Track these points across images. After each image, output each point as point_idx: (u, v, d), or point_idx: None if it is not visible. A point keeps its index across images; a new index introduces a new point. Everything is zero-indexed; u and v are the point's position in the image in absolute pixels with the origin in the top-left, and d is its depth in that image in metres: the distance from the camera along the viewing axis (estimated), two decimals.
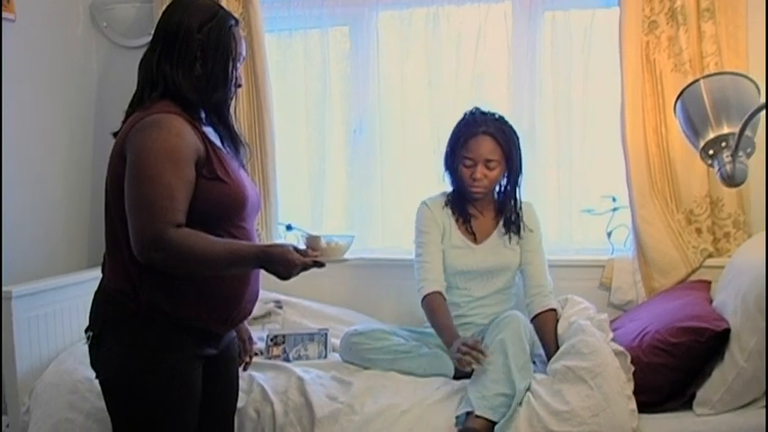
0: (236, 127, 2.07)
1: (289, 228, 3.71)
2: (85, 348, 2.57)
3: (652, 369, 2.48)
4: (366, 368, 2.80)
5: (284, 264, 1.86)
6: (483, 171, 2.86)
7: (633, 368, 2.50)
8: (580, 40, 3.43)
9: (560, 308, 2.95)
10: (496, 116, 2.92)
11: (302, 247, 1.98)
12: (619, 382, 2.43)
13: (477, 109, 2.94)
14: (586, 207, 3.41)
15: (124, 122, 1.96)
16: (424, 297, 2.87)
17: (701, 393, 2.43)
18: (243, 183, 1.99)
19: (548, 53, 3.47)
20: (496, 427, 2.41)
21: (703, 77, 2.49)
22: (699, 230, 3.12)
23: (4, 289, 2.74)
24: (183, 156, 1.83)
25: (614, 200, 3.34)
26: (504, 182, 2.96)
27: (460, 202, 3.00)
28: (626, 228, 3.29)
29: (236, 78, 2.03)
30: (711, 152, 2.36)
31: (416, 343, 2.86)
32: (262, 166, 3.55)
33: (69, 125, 3.66)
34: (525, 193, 3.37)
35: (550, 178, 3.49)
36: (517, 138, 2.92)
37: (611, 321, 2.93)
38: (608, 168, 3.35)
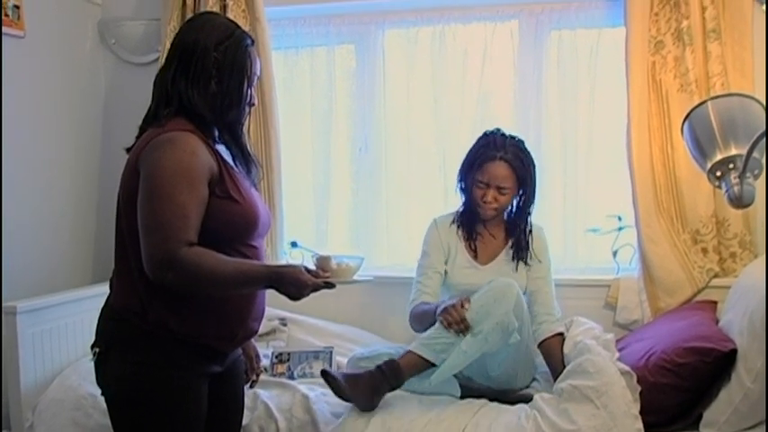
0: (248, 146, 2.08)
1: (294, 245, 3.71)
2: (90, 365, 2.56)
3: (658, 389, 2.46)
4: None
5: (295, 284, 1.86)
6: (494, 195, 2.87)
7: (639, 388, 2.48)
8: (586, 59, 3.44)
9: (566, 330, 2.94)
10: (516, 140, 2.92)
11: (312, 267, 1.99)
12: (625, 402, 2.41)
13: (498, 131, 2.93)
14: (592, 226, 3.41)
15: (138, 138, 1.96)
16: (415, 306, 2.90)
17: (707, 414, 2.42)
18: (255, 202, 1.99)
19: (554, 72, 3.49)
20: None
21: (711, 99, 2.49)
22: (705, 250, 3.11)
23: (8, 304, 2.74)
24: (197, 174, 1.83)
25: (620, 219, 3.34)
26: (515, 203, 2.95)
27: (470, 221, 3.00)
28: (631, 247, 3.29)
29: (250, 97, 2.03)
30: (719, 173, 2.35)
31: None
32: (268, 182, 3.55)
33: (77, 141, 3.67)
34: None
35: (556, 197, 3.49)
36: (534, 165, 2.92)
37: (617, 341, 2.92)
38: (613, 187, 3.35)
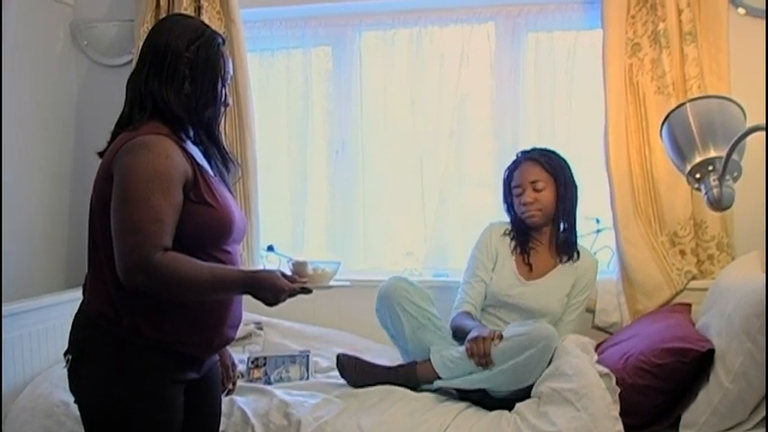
0: (226, 146, 2.05)
1: (270, 248, 3.67)
2: (62, 371, 2.50)
3: (637, 391, 2.45)
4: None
5: (272, 290, 1.83)
6: (532, 195, 2.90)
7: (619, 389, 2.47)
8: (563, 61, 3.45)
9: None
10: (541, 147, 2.99)
11: (288, 272, 1.96)
12: (605, 404, 2.40)
13: (522, 150, 3.03)
14: None
15: (111, 142, 1.91)
16: (458, 314, 2.91)
17: (686, 415, 2.42)
18: (230, 207, 1.95)
19: (531, 74, 3.49)
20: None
21: (689, 101, 2.49)
22: (683, 252, 3.11)
23: None
24: (172, 178, 1.79)
25: (598, 221, 3.33)
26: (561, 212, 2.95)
27: (520, 235, 3.01)
28: (610, 249, 3.28)
29: (225, 97, 2.01)
30: (698, 176, 2.35)
31: (445, 335, 2.85)
32: (244, 185, 3.51)
33: (48, 144, 3.62)
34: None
35: None
36: (565, 162, 2.96)
37: (597, 345, 2.91)
38: (591, 190, 3.31)
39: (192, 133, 1.97)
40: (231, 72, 2.03)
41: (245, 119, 3.51)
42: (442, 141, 3.54)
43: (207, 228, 1.88)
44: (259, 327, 3.30)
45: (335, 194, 3.72)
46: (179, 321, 1.87)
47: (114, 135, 1.92)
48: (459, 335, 2.81)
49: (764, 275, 2.40)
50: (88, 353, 1.87)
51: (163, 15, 3.49)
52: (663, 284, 3.09)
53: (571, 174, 2.95)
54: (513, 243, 3.01)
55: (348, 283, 2.22)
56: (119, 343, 1.84)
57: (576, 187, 2.95)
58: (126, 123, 1.91)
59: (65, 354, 1.91)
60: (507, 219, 3.06)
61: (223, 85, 1.98)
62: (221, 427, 2.45)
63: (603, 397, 2.42)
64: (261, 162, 3.64)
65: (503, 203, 3.05)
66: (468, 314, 2.90)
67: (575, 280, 2.93)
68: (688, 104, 2.45)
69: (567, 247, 2.95)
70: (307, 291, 1.91)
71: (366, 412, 2.57)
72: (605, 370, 2.53)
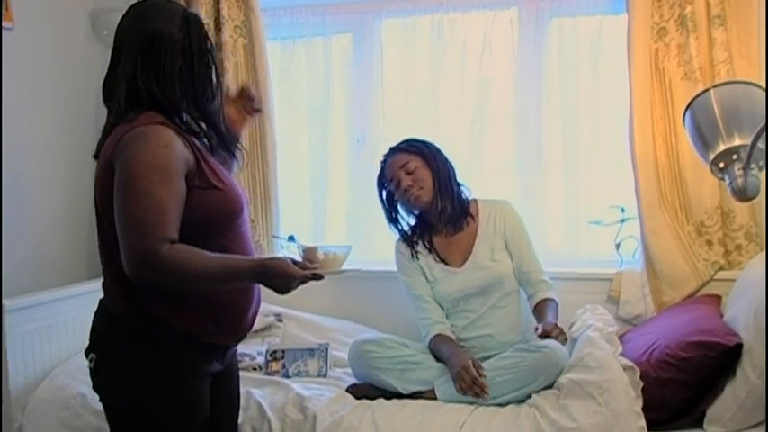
0: (223, 128, 1.98)
1: (291, 239, 3.63)
2: (80, 363, 2.52)
3: (661, 385, 2.40)
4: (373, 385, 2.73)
5: (282, 277, 1.78)
6: (407, 178, 2.86)
7: (642, 384, 2.42)
8: (587, 47, 3.37)
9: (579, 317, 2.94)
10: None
11: (299, 259, 1.93)
12: (628, 399, 2.35)
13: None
14: (594, 218, 3.32)
15: (105, 136, 1.86)
16: (430, 342, 2.85)
17: (711, 411, 2.36)
18: (236, 188, 1.93)
19: (554, 61, 3.41)
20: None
21: (713, 87, 2.40)
22: (710, 243, 3.03)
23: None
24: (173, 168, 1.76)
25: (623, 210, 3.26)
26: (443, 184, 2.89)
27: (421, 232, 2.97)
28: (635, 239, 3.20)
29: (219, 75, 1.97)
30: (722, 165, 2.27)
31: (426, 355, 2.80)
32: (263, 175, 3.50)
33: (69, 133, 3.60)
34: (531, 200, 3.36)
35: (557, 188, 3.42)
36: (425, 141, 2.95)
37: (620, 336, 2.85)
38: (616, 178, 3.27)
39: (187, 118, 1.91)
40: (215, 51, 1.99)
41: (264, 108, 3.46)
42: (463, 129, 3.48)
43: (218, 211, 1.86)
44: (279, 318, 3.27)
45: (356, 183, 3.68)
46: (206, 310, 1.86)
47: (108, 128, 1.87)
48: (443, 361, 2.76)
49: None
50: (114, 351, 1.85)
51: (182, 3, 3.47)
52: (689, 275, 3.01)
53: (436, 149, 2.93)
54: (423, 243, 2.96)
55: (359, 268, 2.19)
56: (146, 339, 1.83)
57: (449, 164, 2.93)
58: (120, 116, 1.84)
59: (87, 352, 1.89)
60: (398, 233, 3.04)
61: (215, 65, 1.95)
62: (238, 421, 2.45)
63: (626, 391, 2.37)
64: (281, 151, 3.61)
65: (386, 220, 3.04)
66: (438, 336, 2.83)
67: (504, 234, 2.91)
68: (712, 90, 2.37)
69: (455, 218, 2.90)
70: (318, 277, 1.86)
71: (382, 407, 2.55)
72: (629, 363, 2.48)
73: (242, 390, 2.58)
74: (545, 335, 2.60)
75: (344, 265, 2.05)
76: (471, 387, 2.50)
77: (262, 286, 1.94)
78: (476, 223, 2.92)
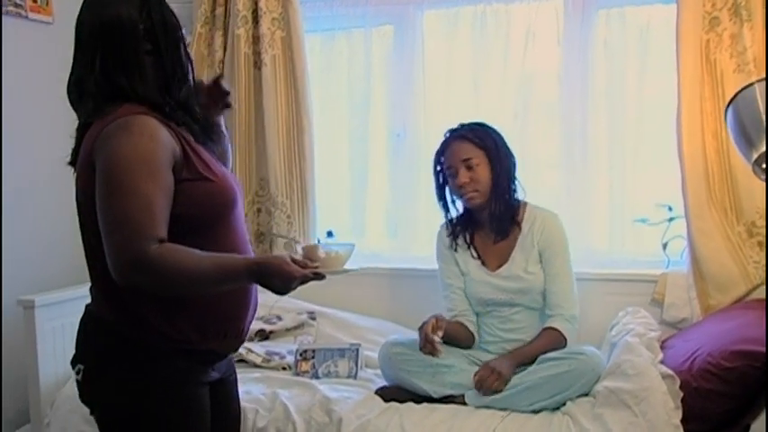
0: (199, 113, 1.82)
1: (330, 234, 3.60)
2: None
3: (702, 395, 2.28)
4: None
5: (280, 277, 1.65)
6: (466, 174, 2.71)
7: (682, 394, 2.30)
8: (635, 39, 3.24)
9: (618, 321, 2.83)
10: (468, 122, 2.82)
11: (298, 257, 1.80)
12: (666, 410, 2.25)
13: (450, 128, 2.85)
14: (640, 216, 3.20)
15: (80, 139, 1.74)
16: None
17: (756, 425, 2.23)
18: (228, 178, 1.79)
19: (601, 53, 3.29)
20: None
21: (759, 80, 2.26)
22: (761, 244, 2.87)
23: (26, 298, 2.68)
24: (160, 161, 1.61)
25: (670, 209, 3.12)
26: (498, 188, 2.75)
27: (464, 226, 2.86)
28: (683, 239, 3.06)
29: (188, 55, 1.80)
30: (765, 166, 2.13)
31: (458, 358, 2.72)
32: (300, 170, 3.46)
33: None
34: (574, 197, 3.24)
35: (602, 185, 3.31)
36: (495, 132, 2.79)
37: (663, 341, 2.74)
38: (664, 175, 3.13)
39: (166, 108, 1.75)
40: (183, 27, 1.82)
41: (301, 103, 3.44)
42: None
43: (211, 203, 1.73)
44: (312, 316, 3.23)
45: (396, 179, 3.62)
46: (199, 318, 1.75)
47: (84, 128, 1.73)
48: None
49: None
50: (106, 362, 1.74)
51: None
52: (738, 278, 2.87)
53: (504, 146, 2.78)
54: (463, 237, 2.85)
55: (363, 267, 2.03)
56: (138, 347, 1.71)
57: (511, 161, 2.78)
58: (94, 114, 1.70)
59: (73, 362, 1.79)
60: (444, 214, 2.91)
61: (186, 45, 1.79)
62: (263, 422, 2.43)
63: (665, 402, 2.26)
64: (320, 146, 3.57)
65: (436, 196, 2.89)
66: (458, 324, 2.79)
67: (539, 247, 2.75)
68: (757, 84, 2.22)
69: (502, 223, 2.77)
70: (320, 276, 1.74)
71: (410, 412, 2.48)
72: (668, 371, 2.37)
73: (268, 390, 2.59)
74: (478, 380, 2.52)
75: (348, 264, 1.92)
76: (425, 345, 2.54)
77: (259, 290, 1.85)
78: (519, 230, 2.79)
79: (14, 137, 3.12)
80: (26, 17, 3.18)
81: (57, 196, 3.27)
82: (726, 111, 2.34)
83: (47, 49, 3.26)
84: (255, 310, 1.91)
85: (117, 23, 1.67)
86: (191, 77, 1.79)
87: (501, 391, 2.48)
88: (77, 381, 1.77)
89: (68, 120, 3.25)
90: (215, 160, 1.81)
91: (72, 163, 1.78)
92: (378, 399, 2.57)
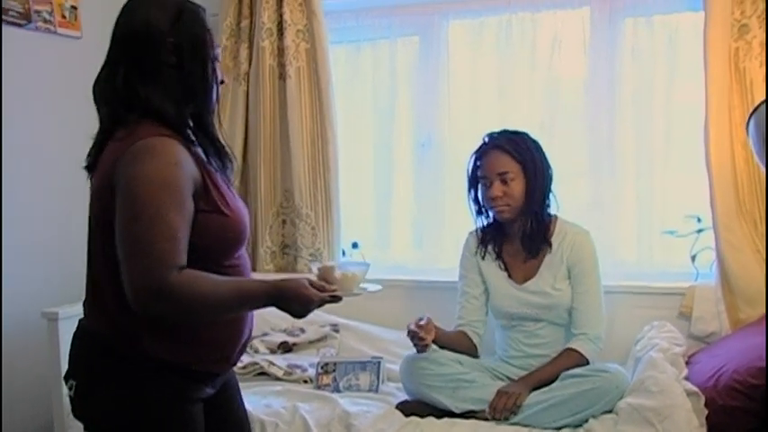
0: (221, 138, 1.81)
1: (355, 245, 3.60)
2: None
3: (728, 413, 2.23)
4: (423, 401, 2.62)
5: (299, 301, 1.68)
6: (500, 187, 2.65)
7: (707, 411, 2.25)
8: (663, 47, 3.19)
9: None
10: (510, 130, 2.75)
11: (314, 278, 1.82)
12: (690, 427, 2.19)
13: (489, 132, 2.78)
14: (668, 228, 3.15)
15: (99, 150, 1.73)
16: None
17: None
18: (242, 213, 1.78)
19: (628, 62, 3.25)
20: None
21: None
22: None
23: (50, 310, 2.68)
24: (183, 188, 1.60)
25: (699, 220, 3.07)
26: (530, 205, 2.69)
27: (494, 236, 2.81)
28: (712, 250, 2.99)
29: (218, 77, 1.77)
30: None
31: (481, 373, 2.69)
32: (324, 181, 3.46)
33: None
34: (601, 208, 3.20)
35: (629, 196, 3.26)
36: (535, 144, 2.72)
37: (690, 355, 2.68)
38: (693, 185, 3.06)
39: (186, 131, 1.74)
40: (218, 47, 1.80)
41: (326, 114, 3.44)
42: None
43: (222, 238, 1.71)
44: (335, 329, 3.21)
45: (421, 189, 3.60)
46: (198, 339, 1.73)
47: (102, 141, 1.73)
48: None
49: None
50: (98, 378, 1.72)
51: (245, 10, 3.52)
52: None
53: (542, 160, 2.71)
54: (492, 247, 2.80)
55: (380, 287, 1.98)
56: (134, 365, 1.68)
57: (548, 175, 2.72)
58: (113, 127, 1.69)
59: (66, 378, 1.78)
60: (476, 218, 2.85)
61: (214, 65, 1.75)
62: None
63: (689, 420, 2.21)
64: (345, 157, 3.57)
65: (468, 199, 2.81)
66: (463, 334, 2.80)
67: (568, 264, 2.69)
68: None
69: (534, 241, 2.71)
70: (337, 299, 1.75)
71: (431, 426, 2.46)
72: (693, 388, 2.32)
73: (288, 403, 2.57)
74: (492, 409, 2.47)
75: (363, 284, 1.92)
76: (412, 338, 2.59)
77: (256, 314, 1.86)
78: (548, 246, 2.73)
79: (42, 150, 3.15)
80: (55, 32, 3.21)
81: (82, 209, 3.30)
82: (747, 123, 2.29)
83: (75, 63, 3.29)
84: (251, 334, 1.89)
85: (145, 32, 1.67)
86: (214, 97, 1.77)
87: (516, 413, 2.43)
88: (70, 396, 1.76)
89: (90, 135, 3.33)
90: (229, 191, 1.78)
91: (88, 167, 1.78)
92: (398, 413, 2.54)
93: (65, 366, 2.65)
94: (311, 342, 3.13)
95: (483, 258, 2.82)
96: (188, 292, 1.56)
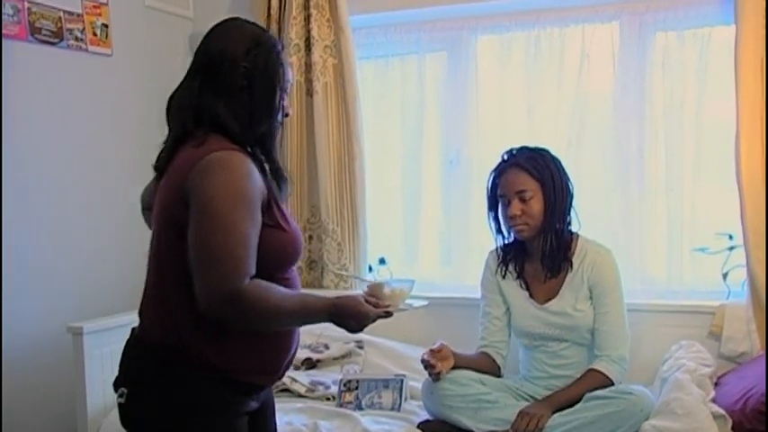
0: (279, 161, 1.90)
1: (382, 261, 3.58)
2: None
3: None
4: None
5: (356, 317, 1.76)
6: (518, 206, 2.61)
7: None
8: (694, 62, 3.14)
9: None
10: (527, 148, 2.70)
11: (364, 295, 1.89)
12: None
13: (509, 148, 2.74)
14: (699, 245, 3.08)
15: (169, 153, 1.81)
16: None
17: None
18: (298, 230, 1.87)
19: (658, 77, 3.21)
20: None
21: None
22: None
23: (75, 325, 2.71)
24: (254, 200, 1.69)
25: (731, 237, 3.00)
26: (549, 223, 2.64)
27: (515, 255, 2.77)
28: (744, 268, 2.92)
29: (284, 108, 1.88)
30: None
31: (503, 393, 2.65)
32: (351, 197, 3.46)
33: None
34: (630, 225, 3.18)
35: (659, 212, 3.20)
36: (555, 161, 2.67)
37: (721, 376, 2.62)
38: (724, 202, 3.00)
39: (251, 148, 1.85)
40: (291, 80, 1.94)
41: (353, 129, 3.44)
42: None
43: (281, 253, 1.79)
44: (359, 345, 3.19)
45: (449, 205, 3.58)
46: (248, 350, 1.78)
47: (171, 149, 1.81)
48: None
49: None
50: (147, 386, 1.77)
51: (273, 25, 3.50)
52: None
53: (562, 178, 2.65)
54: (513, 266, 2.77)
55: (426, 303, 2.08)
56: (183, 375, 1.74)
57: (569, 192, 2.66)
58: (181, 138, 1.79)
59: (116, 385, 1.82)
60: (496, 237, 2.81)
61: (282, 96, 1.85)
62: None
63: None
64: (374, 173, 3.58)
65: (489, 218, 2.79)
66: (485, 354, 2.76)
67: (589, 284, 2.64)
68: None
69: (554, 260, 2.66)
70: (389, 314, 1.83)
71: None
72: (720, 411, 2.27)
73: (310, 421, 2.56)
74: (513, 430, 2.44)
75: (409, 300, 2.01)
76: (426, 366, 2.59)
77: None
78: (569, 265, 2.69)
79: (70, 167, 3.19)
80: (86, 50, 3.26)
81: (106, 225, 3.34)
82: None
83: (106, 80, 3.34)
84: (297, 349, 1.94)
85: (220, 56, 1.78)
86: (277, 124, 1.86)
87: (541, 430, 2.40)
88: (120, 403, 1.81)
89: (128, 149, 3.38)
90: (286, 210, 1.87)
91: (156, 168, 1.86)
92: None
93: (89, 382, 2.71)
94: (335, 359, 3.11)
95: (504, 278, 2.78)
96: (257, 300, 1.65)
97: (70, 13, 3.18)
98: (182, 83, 1.85)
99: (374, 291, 1.91)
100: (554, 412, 2.47)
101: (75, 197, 3.21)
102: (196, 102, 1.78)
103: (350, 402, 2.79)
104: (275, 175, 1.87)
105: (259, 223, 1.70)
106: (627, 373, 2.61)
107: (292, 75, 1.93)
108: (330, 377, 2.96)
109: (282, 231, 1.78)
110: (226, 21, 1.91)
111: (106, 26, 3.35)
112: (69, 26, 3.19)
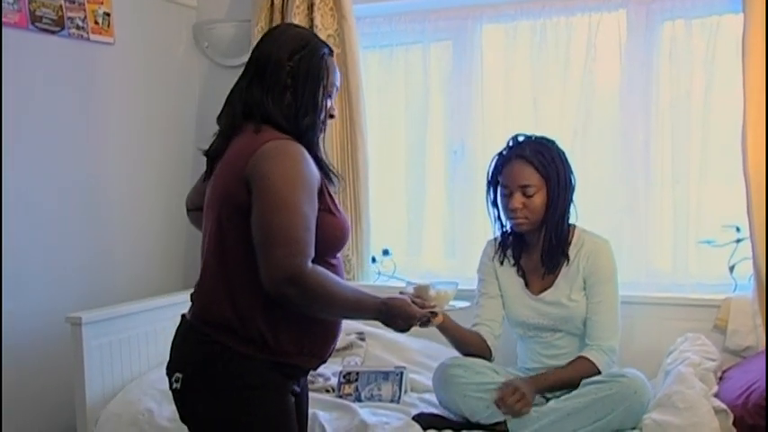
0: (325, 158, 1.99)
1: (386, 253, 3.56)
2: (154, 378, 2.59)
3: None
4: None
5: (404, 317, 1.87)
6: (520, 200, 2.56)
7: (735, 430, 2.16)
8: (702, 52, 3.09)
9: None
10: (535, 138, 2.65)
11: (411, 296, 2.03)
12: None
13: (516, 135, 2.68)
14: (705, 237, 3.04)
15: (224, 142, 1.92)
16: None
17: None
18: (345, 216, 1.97)
19: (665, 67, 3.16)
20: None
21: None
22: None
23: (74, 315, 2.70)
24: (313, 185, 1.80)
25: (738, 230, 2.96)
26: (550, 218, 2.60)
27: (515, 246, 2.73)
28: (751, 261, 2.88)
29: (329, 109, 2.00)
30: None
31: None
32: (354, 188, 3.44)
33: (169, 145, 3.67)
34: (636, 217, 3.14)
35: (665, 204, 3.16)
36: (563, 160, 2.61)
37: (726, 370, 2.58)
38: (731, 194, 2.94)
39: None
40: (338, 84, 2.02)
41: (356, 119, 3.42)
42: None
43: (332, 236, 1.88)
44: (361, 337, 3.17)
45: (453, 196, 3.55)
46: (302, 332, 1.88)
47: (225, 139, 1.92)
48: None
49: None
50: (204, 371, 1.85)
51: (277, 15, 3.49)
52: None
53: (567, 172, 2.61)
54: (510, 253, 2.73)
55: (468, 304, 2.26)
56: (239, 358, 1.83)
57: (571, 187, 2.62)
58: (231, 130, 1.92)
59: (170, 371, 1.90)
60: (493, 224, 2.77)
61: (326, 97, 1.97)
62: None
63: None
64: (377, 163, 3.55)
65: (487, 201, 2.74)
66: (477, 335, 2.70)
67: (584, 274, 2.60)
68: None
69: (553, 257, 2.62)
70: (434, 314, 1.99)
71: None
72: (722, 406, 2.24)
73: (309, 411, 2.53)
74: (499, 398, 2.40)
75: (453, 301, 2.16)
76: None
77: None
78: (566, 257, 2.66)
79: (73, 156, 3.18)
80: (88, 39, 3.25)
81: (109, 214, 3.34)
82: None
83: (108, 69, 3.33)
84: (339, 337, 2.05)
85: (267, 58, 1.92)
86: (319, 124, 1.95)
87: (527, 413, 2.36)
88: (175, 389, 1.89)
89: (133, 138, 3.37)
90: (336, 197, 1.97)
91: (207, 153, 1.98)
92: (416, 426, 2.49)
93: (88, 373, 2.71)
94: (337, 350, 3.08)
95: (501, 264, 2.76)
96: (319, 285, 1.75)
97: (71, 2, 3.17)
98: (239, 78, 1.98)
99: (420, 292, 2.05)
100: (539, 393, 2.47)
101: (76, 187, 3.20)
102: (245, 97, 1.91)
103: (349, 394, 2.77)
104: (321, 172, 1.95)
105: (316, 208, 1.80)
106: (615, 365, 2.57)
107: (340, 79, 2.01)
108: (330, 369, 2.94)
109: (333, 216, 1.88)
110: (279, 25, 2.11)
111: (108, 15, 3.34)
112: (70, 14, 3.17)
